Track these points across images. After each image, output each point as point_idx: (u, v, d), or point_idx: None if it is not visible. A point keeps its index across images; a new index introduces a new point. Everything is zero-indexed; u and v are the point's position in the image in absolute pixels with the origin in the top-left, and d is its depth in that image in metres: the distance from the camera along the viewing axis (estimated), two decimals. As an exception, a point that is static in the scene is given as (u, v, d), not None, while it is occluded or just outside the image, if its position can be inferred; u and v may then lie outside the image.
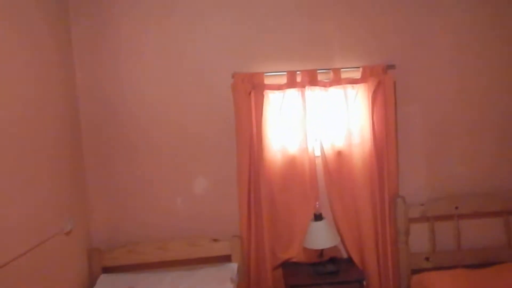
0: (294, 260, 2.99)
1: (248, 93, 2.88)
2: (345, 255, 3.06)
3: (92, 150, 2.96)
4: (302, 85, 2.93)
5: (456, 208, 2.97)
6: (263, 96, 2.91)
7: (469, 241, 3.05)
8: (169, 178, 3.00)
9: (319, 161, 2.99)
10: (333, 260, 2.95)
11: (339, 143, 2.99)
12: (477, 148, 3.07)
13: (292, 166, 2.98)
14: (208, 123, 3.00)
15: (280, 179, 2.98)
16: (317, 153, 2.99)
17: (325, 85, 2.94)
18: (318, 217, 2.80)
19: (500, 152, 3.08)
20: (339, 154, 3.00)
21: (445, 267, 2.94)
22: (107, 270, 2.85)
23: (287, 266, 2.96)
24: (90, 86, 2.95)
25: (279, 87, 2.94)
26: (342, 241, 2.99)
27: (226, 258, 2.92)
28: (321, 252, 2.86)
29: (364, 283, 2.92)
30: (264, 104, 2.92)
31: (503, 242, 3.03)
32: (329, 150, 2.97)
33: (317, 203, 2.89)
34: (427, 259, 2.98)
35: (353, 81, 2.96)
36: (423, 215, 2.97)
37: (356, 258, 2.94)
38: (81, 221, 2.79)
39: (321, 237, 2.75)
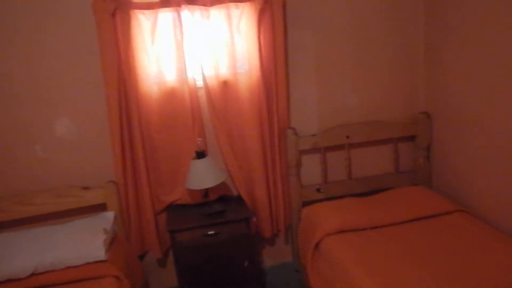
0: (179, 202, 2.75)
1: (110, 13, 2.40)
2: (235, 193, 2.88)
3: None
4: (177, 4, 2.49)
5: (347, 137, 2.86)
6: (130, 17, 2.45)
7: (360, 170, 3.01)
8: (24, 123, 2.51)
9: (202, 93, 2.67)
10: (222, 199, 2.77)
11: (224, 72, 2.67)
12: (368, 78, 2.92)
13: (171, 99, 2.63)
14: (67, 54, 2.49)
15: (158, 114, 2.63)
16: (200, 83, 2.66)
17: (205, 4, 2.53)
18: (200, 155, 2.54)
19: (390, 82, 2.96)
20: (224, 84, 2.69)
21: (336, 197, 2.89)
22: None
23: (172, 210, 2.72)
24: None
25: (149, 7, 2.48)
26: (231, 178, 2.79)
27: (102, 207, 2.60)
28: (206, 192, 2.64)
29: (254, 219, 2.80)
30: (132, 27, 2.47)
31: (392, 169, 3.03)
32: (212, 80, 2.65)
33: (199, 139, 2.61)
34: (318, 190, 2.90)
35: (237, 0, 2.59)
36: (315, 146, 2.84)
37: (245, 195, 2.76)
38: None
39: (204, 176, 2.50)
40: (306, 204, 2.86)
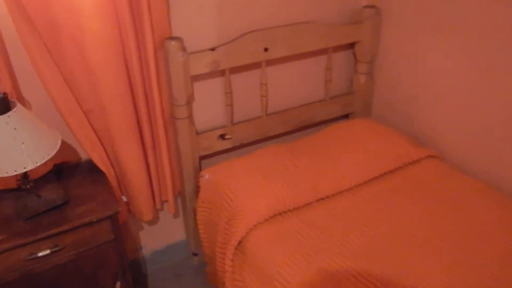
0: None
1: None
2: (84, 157, 1.68)
3: None
4: None
5: (266, 50, 1.79)
6: None
7: (279, 101, 2.01)
8: None
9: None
10: (59, 171, 1.56)
11: None
12: None
13: None
14: None
15: None
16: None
17: None
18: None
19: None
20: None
21: (248, 144, 1.92)
22: None
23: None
24: None
25: None
26: (73, 133, 1.55)
27: None
28: (24, 175, 1.39)
29: (124, 198, 1.69)
30: None
31: (321, 95, 2.11)
32: None
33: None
34: (222, 136, 1.86)
35: None
36: (215, 68, 1.70)
37: (101, 160, 1.58)
38: None
39: (12, 149, 1.24)
40: (205, 158, 1.84)
